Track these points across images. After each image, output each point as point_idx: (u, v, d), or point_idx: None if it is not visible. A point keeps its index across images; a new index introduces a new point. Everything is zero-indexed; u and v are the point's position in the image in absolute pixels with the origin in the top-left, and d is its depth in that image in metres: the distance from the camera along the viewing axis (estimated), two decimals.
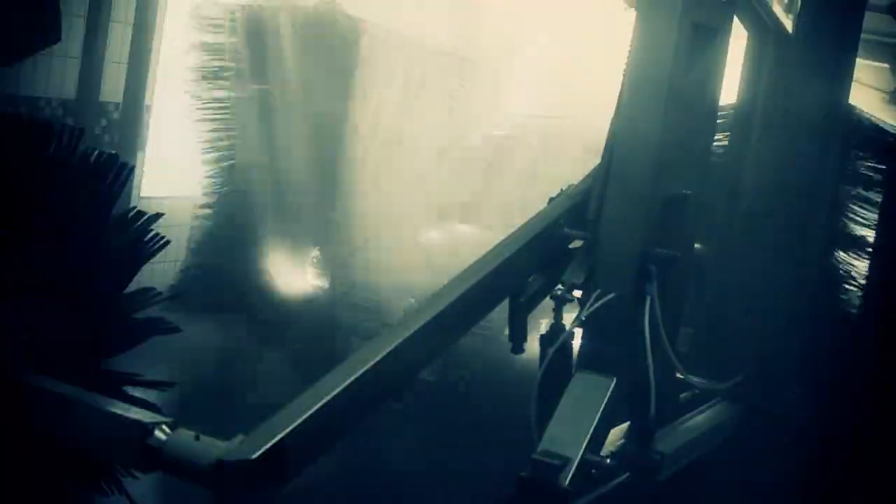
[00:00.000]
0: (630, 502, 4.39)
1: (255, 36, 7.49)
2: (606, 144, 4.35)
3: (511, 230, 6.38)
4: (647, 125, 4.15)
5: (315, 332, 6.68)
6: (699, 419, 5.11)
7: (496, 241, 6.38)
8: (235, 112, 7.54)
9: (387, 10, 8.22)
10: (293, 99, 7.52)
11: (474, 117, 8.27)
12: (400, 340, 3.43)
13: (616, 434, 4.34)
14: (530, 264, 4.29)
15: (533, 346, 4.55)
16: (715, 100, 4.68)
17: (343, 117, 7.60)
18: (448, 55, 8.40)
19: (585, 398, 4.08)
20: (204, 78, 7.45)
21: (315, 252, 7.03)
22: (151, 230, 3.86)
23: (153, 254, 3.88)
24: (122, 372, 3.79)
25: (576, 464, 3.83)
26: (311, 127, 7.58)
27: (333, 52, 7.60)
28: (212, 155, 7.56)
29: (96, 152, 3.70)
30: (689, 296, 5.07)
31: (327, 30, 7.67)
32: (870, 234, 5.69)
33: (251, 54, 7.50)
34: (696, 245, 4.98)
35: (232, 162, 7.58)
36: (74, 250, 3.58)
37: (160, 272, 7.35)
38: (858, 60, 5.58)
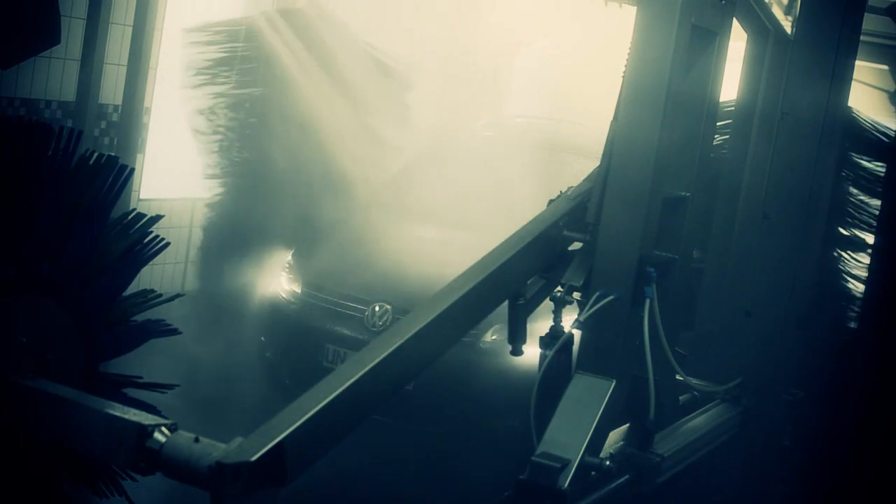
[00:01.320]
0: None
1: (242, 42, 7.53)
2: (606, 147, 4.35)
3: (491, 233, 6.34)
4: (647, 128, 4.15)
5: (287, 339, 6.45)
6: (698, 421, 5.11)
7: (474, 245, 6.29)
8: (225, 115, 7.55)
9: (379, 11, 8.26)
10: (273, 102, 7.55)
11: (463, 117, 8.16)
12: (399, 342, 3.42)
13: (615, 436, 4.34)
14: (530, 266, 4.29)
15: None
16: (714, 102, 4.68)
17: (322, 118, 7.57)
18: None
19: (585, 400, 4.08)
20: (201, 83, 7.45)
21: (289, 256, 6.76)
22: (151, 232, 3.86)
23: (153, 256, 3.88)
24: (121, 374, 3.79)
25: (575, 466, 3.83)
26: (289, 128, 7.57)
27: (315, 55, 7.57)
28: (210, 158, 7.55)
29: (95, 154, 3.70)
30: (689, 298, 5.08)
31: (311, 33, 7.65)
32: (869, 236, 5.70)
33: (238, 61, 7.53)
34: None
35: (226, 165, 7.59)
36: (74, 252, 3.58)
37: (158, 273, 7.38)
38: (858, 62, 5.59)
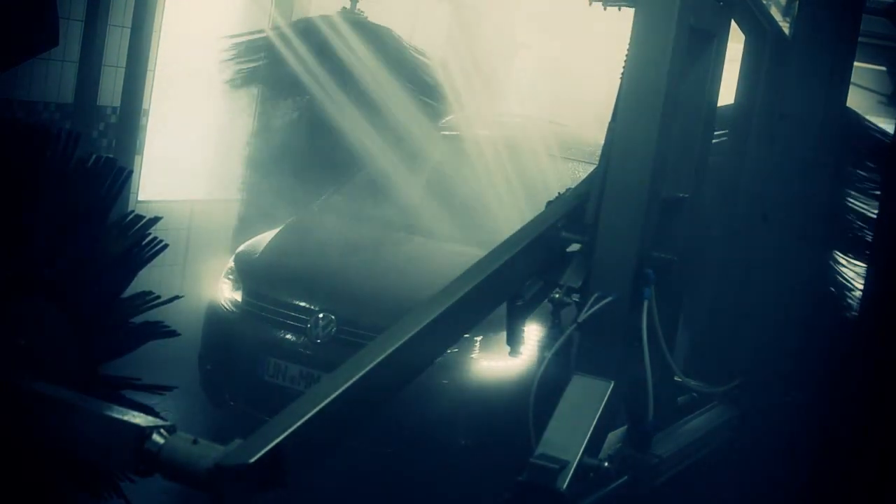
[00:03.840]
0: None
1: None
2: (604, 148, 4.35)
3: (448, 238, 6.09)
4: (645, 129, 4.16)
5: (228, 351, 5.94)
6: (697, 422, 5.12)
7: (429, 250, 5.99)
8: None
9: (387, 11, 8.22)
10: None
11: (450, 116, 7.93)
12: (397, 345, 3.43)
13: (614, 437, 4.34)
14: (528, 268, 4.29)
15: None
16: (713, 103, 4.69)
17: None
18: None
19: (583, 401, 4.09)
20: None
21: (230, 261, 6.24)
22: (149, 234, 3.86)
23: (151, 258, 3.88)
24: (119, 376, 3.79)
25: (574, 467, 3.83)
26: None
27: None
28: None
29: (94, 156, 3.70)
30: (687, 299, 5.07)
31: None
32: (868, 237, 5.70)
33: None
34: None
35: None
36: (72, 254, 3.58)
37: (157, 275, 7.36)
38: (856, 63, 5.59)
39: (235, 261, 6.25)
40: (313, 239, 6.43)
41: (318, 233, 6.51)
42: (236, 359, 5.90)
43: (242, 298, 5.99)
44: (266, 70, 7.58)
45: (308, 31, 7.55)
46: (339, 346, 5.50)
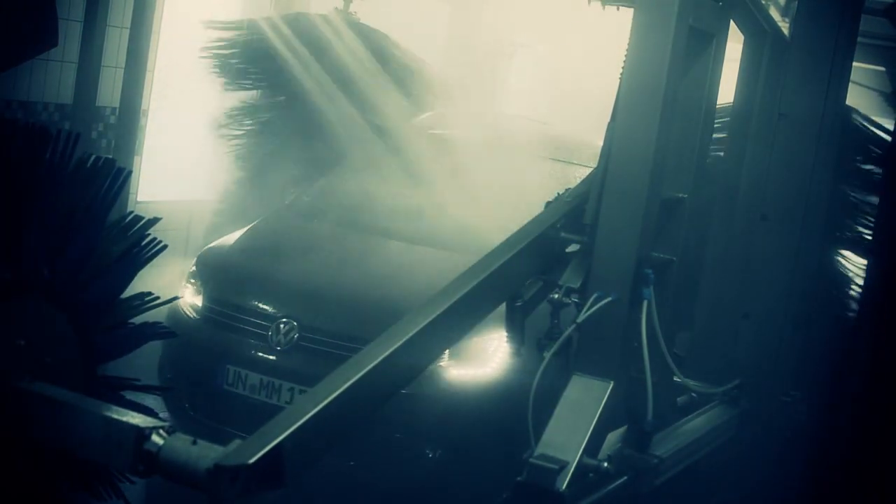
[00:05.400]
0: None
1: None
2: (603, 149, 4.35)
3: (418, 242, 5.85)
4: (644, 129, 4.16)
5: (187, 359, 5.63)
6: (696, 423, 5.12)
7: (399, 253, 5.79)
8: None
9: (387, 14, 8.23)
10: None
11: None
12: (397, 345, 3.43)
13: (613, 438, 4.35)
14: (527, 268, 4.29)
15: None
16: (712, 104, 4.69)
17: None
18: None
19: (582, 402, 4.09)
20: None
21: (192, 264, 5.97)
22: (148, 234, 3.85)
23: (150, 258, 3.88)
24: (118, 377, 3.79)
25: (573, 468, 3.83)
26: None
27: None
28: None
29: (93, 157, 3.70)
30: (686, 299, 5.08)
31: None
32: (867, 236, 5.71)
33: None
34: None
35: None
36: (71, 255, 3.57)
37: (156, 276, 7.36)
38: (855, 64, 5.59)
39: (197, 263, 5.97)
40: (278, 241, 6.15)
41: (283, 235, 6.23)
42: (196, 367, 5.60)
43: (203, 303, 5.72)
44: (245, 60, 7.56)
45: (294, 26, 7.56)
46: (301, 353, 5.29)
